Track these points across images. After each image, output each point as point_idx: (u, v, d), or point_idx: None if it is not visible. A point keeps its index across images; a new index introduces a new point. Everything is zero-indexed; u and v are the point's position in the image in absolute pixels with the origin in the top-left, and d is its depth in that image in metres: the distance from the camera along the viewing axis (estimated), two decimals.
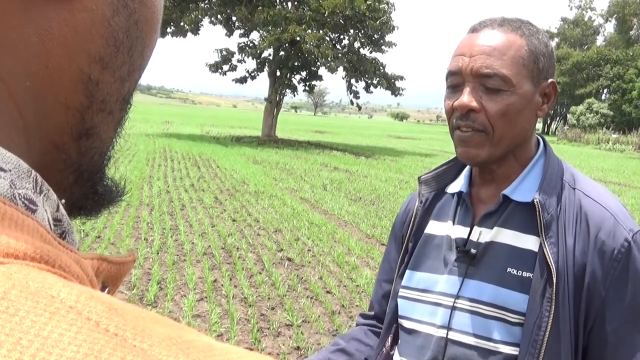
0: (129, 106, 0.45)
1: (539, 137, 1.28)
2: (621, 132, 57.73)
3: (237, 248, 6.99)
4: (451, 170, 1.34)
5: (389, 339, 1.34)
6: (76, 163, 0.40)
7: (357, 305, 5.23)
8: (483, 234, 1.22)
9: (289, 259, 6.66)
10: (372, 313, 1.49)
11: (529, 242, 1.16)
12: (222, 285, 5.53)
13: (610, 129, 59.79)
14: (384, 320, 1.38)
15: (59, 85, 0.37)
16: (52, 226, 0.35)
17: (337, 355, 1.37)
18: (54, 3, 0.36)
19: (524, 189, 1.20)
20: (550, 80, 1.20)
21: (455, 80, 1.17)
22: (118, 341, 0.24)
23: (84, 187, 0.43)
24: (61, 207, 0.37)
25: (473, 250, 1.21)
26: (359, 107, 31.93)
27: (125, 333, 0.25)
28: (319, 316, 4.91)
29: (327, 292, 5.61)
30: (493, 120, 1.14)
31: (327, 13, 25.54)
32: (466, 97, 1.14)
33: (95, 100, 0.39)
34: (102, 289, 0.37)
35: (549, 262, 1.10)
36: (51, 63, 0.36)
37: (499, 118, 1.13)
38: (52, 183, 0.38)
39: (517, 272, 1.15)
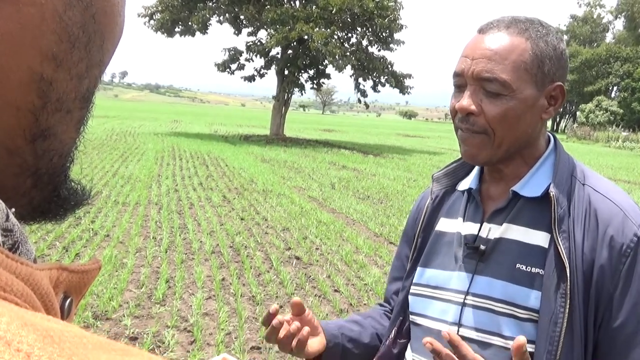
0: (91, 104, 0.42)
1: (550, 135, 1.28)
2: (631, 130, 57.38)
3: (245, 247, 7.00)
4: (462, 167, 1.36)
5: (394, 331, 1.36)
6: (33, 166, 0.38)
7: (365, 304, 5.23)
8: (492, 231, 1.22)
9: (297, 258, 6.66)
10: (388, 306, 1.52)
11: (538, 238, 1.17)
12: (230, 284, 5.53)
13: (620, 126, 59.39)
14: (392, 312, 1.41)
15: (7, 86, 0.34)
16: (0, 238, 0.33)
17: (350, 324, 1.42)
18: None
19: (533, 185, 1.21)
20: (557, 84, 1.18)
21: (459, 82, 1.19)
22: None
23: (45, 191, 0.40)
24: (11, 216, 0.34)
25: (482, 247, 1.21)
26: (367, 106, 31.89)
27: None
28: (327, 315, 4.90)
29: (335, 290, 5.60)
30: (492, 124, 1.15)
31: (334, 10, 25.49)
32: (466, 101, 1.15)
33: (49, 100, 0.37)
34: (64, 300, 0.36)
35: (563, 257, 1.10)
36: None
37: (497, 122, 1.14)
38: (8, 188, 0.36)
39: (526, 268, 1.15)
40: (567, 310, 1.09)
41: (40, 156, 0.38)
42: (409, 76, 29.97)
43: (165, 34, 28.61)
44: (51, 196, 0.41)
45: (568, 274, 1.09)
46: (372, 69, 28.84)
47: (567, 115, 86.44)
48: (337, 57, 25.73)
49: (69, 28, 0.36)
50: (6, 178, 0.37)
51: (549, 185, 1.17)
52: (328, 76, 30.52)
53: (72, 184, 0.43)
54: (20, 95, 0.35)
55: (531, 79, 1.14)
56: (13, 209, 0.35)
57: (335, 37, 27.38)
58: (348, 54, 27.66)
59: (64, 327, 0.26)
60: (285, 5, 26.77)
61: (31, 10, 0.34)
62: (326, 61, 27.68)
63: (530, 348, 1.13)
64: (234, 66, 29.45)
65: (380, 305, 1.55)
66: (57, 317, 0.33)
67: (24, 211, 0.39)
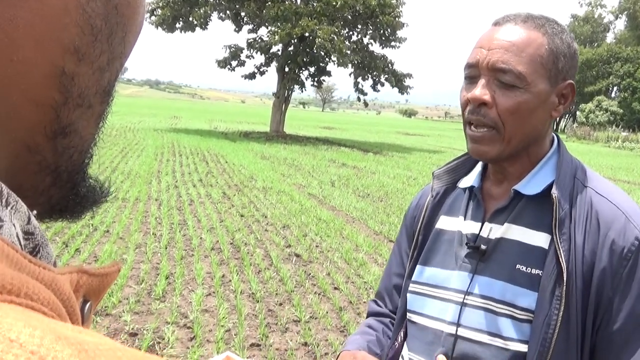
0: (111, 98, 0.41)
1: (553, 134, 1.27)
2: (631, 130, 57.38)
3: (245, 243, 7.00)
4: (464, 165, 1.34)
5: (401, 334, 1.34)
6: (53, 164, 0.37)
7: (364, 302, 5.23)
8: (493, 230, 1.21)
9: (297, 255, 6.66)
10: (383, 305, 1.48)
11: (538, 239, 1.16)
12: (230, 281, 5.54)
13: (620, 127, 59.36)
14: (396, 314, 1.38)
15: (28, 81, 0.33)
16: (22, 241, 0.32)
17: (375, 345, 1.36)
18: None
19: (534, 183, 1.20)
20: (568, 82, 1.18)
21: (472, 73, 1.17)
22: None
23: (64, 189, 0.39)
24: (33, 218, 0.33)
25: (483, 247, 1.20)
26: (366, 104, 31.87)
27: None
28: (326, 312, 4.91)
29: (335, 288, 5.61)
30: (503, 117, 1.13)
31: (338, 5, 25.41)
32: (479, 90, 1.14)
33: (71, 96, 0.36)
34: (84, 304, 0.35)
35: (561, 259, 1.09)
36: (17, 56, 0.32)
37: (509, 115, 1.13)
38: (27, 187, 0.35)
39: (526, 269, 1.14)
40: (561, 313, 1.08)
41: (60, 153, 0.37)
42: (409, 76, 29.96)
43: (166, 30, 28.58)
44: (70, 194, 0.40)
45: (565, 277, 1.08)
46: (372, 68, 28.83)
47: (567, 115, 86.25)
48: (343, 52, 25.67)
49: (92, 20, 0.35)
50: (25, 176, 0.36)
51: (551, 183, 1.17)
52: (329, 73, 30.49)
53: (91, 181, 0.42)
54: (42, 91, 0.34)
55: (546, 73, 1.14)
56: (35, 211, 0.34)
57: (339, 33, 27.34)
58: (349, 51, 27.64)
59: (98, 340, 0.25)
60: (287, 2, 26.72)
61: (54, 2, 0.33)
62: (327, 58, 27.66)
63: (524, 348, 1.13)
64: (234, 63, 29.42)
65: (375, 302, 1.50)
66: (79, 323, 0.32)
67: (41, 210, 0.38)
